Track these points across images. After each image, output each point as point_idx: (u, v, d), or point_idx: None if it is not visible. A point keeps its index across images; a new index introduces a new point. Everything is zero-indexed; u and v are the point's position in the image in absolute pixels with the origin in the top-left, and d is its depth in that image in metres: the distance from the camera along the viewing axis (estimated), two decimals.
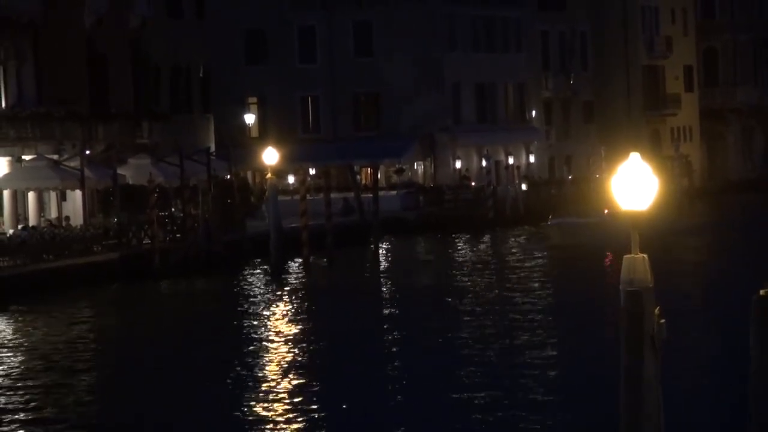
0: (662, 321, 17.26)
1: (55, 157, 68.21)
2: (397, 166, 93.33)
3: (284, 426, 33.01)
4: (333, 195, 77.68)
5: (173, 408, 36.61)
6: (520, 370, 38.88)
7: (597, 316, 47.68)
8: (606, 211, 74.58)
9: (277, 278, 64.52)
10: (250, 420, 33.73)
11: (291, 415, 34.29)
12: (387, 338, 48.54)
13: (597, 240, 68.78)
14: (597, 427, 29.01)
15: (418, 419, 33.57)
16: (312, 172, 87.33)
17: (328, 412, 34.49)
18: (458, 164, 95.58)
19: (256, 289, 62.76)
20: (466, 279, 65.00)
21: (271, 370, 41.74)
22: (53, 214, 69.75)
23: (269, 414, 34.46)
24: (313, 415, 34.33)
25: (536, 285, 60.80)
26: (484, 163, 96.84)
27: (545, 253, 72.10)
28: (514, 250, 76.33)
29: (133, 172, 70.44)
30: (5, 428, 33.90)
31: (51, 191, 69.98)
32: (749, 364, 17.60)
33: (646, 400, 17.00)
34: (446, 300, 56.68)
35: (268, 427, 32.96)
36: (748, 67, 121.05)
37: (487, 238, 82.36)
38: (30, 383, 40.17)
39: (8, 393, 38.70)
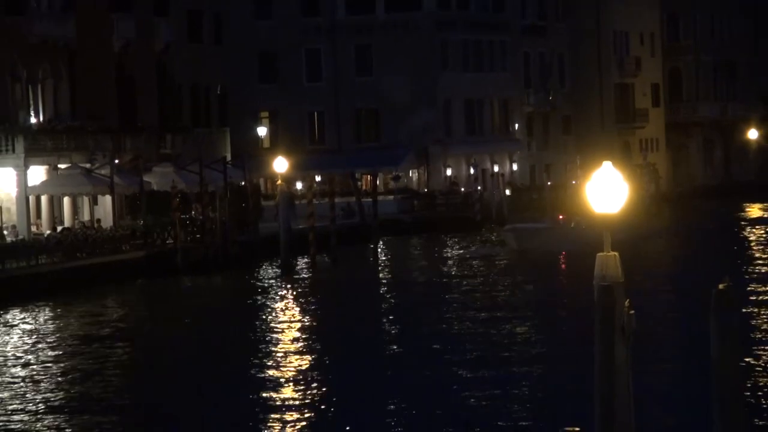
0: (632, 312, 17.29)
1: (88, 165, 68.20)
2: (394, 173, 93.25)
3: (293, 401, 33.11)
4: (337, 199, 77.70)
5: (195, 389, 36.70)
6: (495, 341, 39.10)
7: (558, 308, 47.97)
8: (561, 217, 74.05)
9: (286, 274, 64.49)
10: (263, 398, 33.83)
11: (298, 394, 34.45)
12: (384, 326, 48.79)
13: (550, 244, 67.67)
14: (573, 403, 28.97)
15: (415, 392, 33.68)
16: (318, 179, 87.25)
17: (331, 391, 34.60)
18: (449, 172, 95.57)
19: (268, 283, 62.77)
20: (449, 274, 64.93)
21: (282, 354, 41.89)
22: (86, 216, 69.73)
23: (280, 393, 34.61)
24: (317, 392, 34.42)
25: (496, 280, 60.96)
26: (471, 170, 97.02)
27: (502, 255, 69.77)
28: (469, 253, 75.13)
29: (157, 179, 70.43)
30: (47, 406, 33.96)
31: (84, 196, 69.99)
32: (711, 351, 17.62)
33: (618, 383, 17.02)
34: (434, 291, 56.83)
35: (278, 403, 33.07)
36: (709, 85, 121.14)
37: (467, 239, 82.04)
38: (67, 367, 40.26)
39: (48, 376, 38.78)
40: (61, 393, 36.02)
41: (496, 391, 33.64)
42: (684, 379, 33.19)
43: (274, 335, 46.46)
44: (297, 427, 30.50)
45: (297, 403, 33.35)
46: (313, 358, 41.37)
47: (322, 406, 32.77)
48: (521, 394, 33.24)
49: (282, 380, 36.79)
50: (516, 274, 62.74)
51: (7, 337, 46.97)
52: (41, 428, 31.20)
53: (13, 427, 31.61)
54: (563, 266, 61.22)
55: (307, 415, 31.70)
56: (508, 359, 38.72)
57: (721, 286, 17.35)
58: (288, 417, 31.62)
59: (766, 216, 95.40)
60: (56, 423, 31.80)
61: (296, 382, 36.43)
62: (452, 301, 53.86)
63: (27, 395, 35.62)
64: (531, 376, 35.82)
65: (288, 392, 34.93)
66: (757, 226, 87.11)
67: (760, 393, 31.42)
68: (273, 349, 43.27)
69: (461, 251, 75.13)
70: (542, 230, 71.62)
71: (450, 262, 71.51)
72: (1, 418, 32.60)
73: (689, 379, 32.32)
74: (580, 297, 45.41)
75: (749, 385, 30.81)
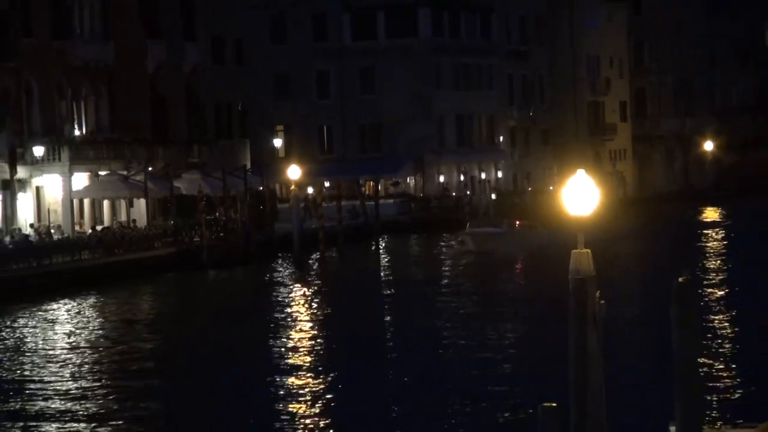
0: (602, 302, 17.33)
1: (125, 172, 68.23)
2: (393, 179, 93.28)
3: (303, 380, 33.17)
4: (343, 203, 77.83)
5: (217, 369, 36.76)
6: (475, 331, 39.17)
7: (530, 298, 48.07)
8: (518, 223, 73.33)
9: (299, 268, 64.56)
10: (276, 375, 33.90)
11: (308, 373, 34.48)
12: (385, 314, 48.81)
13: (506, 247, 66.44)
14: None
15: (414, 371, 33.77)
16: (327, 184, 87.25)
17: (338, 371, 34.64)
18: (442, 178, 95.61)
19: (283, 277, 62.76)
20: (439, 269, 64.98)
21: (294, 336, 41.89)
22: (123, 217, 69.78)
23: (291, 371, 34.68)
24: (324, 371, 34.46)
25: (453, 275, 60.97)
26: (461, 177, 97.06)
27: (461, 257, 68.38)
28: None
29: (186, 184, 70.45)
30: (87, 384, 34.04)
31: (121, 200, 70.04)
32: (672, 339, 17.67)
33: (591, 367, 17.05)
34: (427, 284, 56.97)
35: (289, 380, 33.15)
36: (670, 103, 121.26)
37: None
38: (106, 349, 40.32)
39: (89, 358, 38.86)
40: (102, 371, 36.12)
41: (481, 371, 33.70)
42: (648, 361, 33.24)
43: (288, 321, 46.52)
44: (304, 402, 30.60)
45: (305, 382, 33.47)
46: (321, 341, 41.59)
47: (327, 380, 32.94)
48: (503, 373, 33.28)
49: (293, 360, 36.91)
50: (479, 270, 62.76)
51: (55, 324, 47.06)
52: (84, 398, 31.36)
53: (59, 398, 31.76)
54: (520, 266, 60.30)
55: (311, 392, 31.84)
56: (489, 341, 38.81)
57: (680, 280, 17.38)
58: (298, 391, 31.75)
59: (720, 218, 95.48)
60: (96, 395, 31.93)
61: (306, 363, 36.54)
62: (440, 290, 54.11)
63: (72, 374, 35.73)
64: (512, 357, 35.87)
65: (299, 371, 35.01)
66: (712, 227, 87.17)
67: (714, 374, 31.51)
68: (286, 332, 43.36)
69: (445, 249, 74.96)
70: (499, 234, 69.97)
71: (440, 258, 71.45)
72: (50, 391, 32.74)
73: (653, 361, 32.37)
74: (548, 291, 45.69)
75: (704, 367, 30.88)
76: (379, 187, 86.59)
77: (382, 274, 63.95)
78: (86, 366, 37.32)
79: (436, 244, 75.39)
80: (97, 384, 34.34)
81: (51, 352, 39.93)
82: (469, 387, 31.54)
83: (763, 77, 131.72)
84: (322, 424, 27.99)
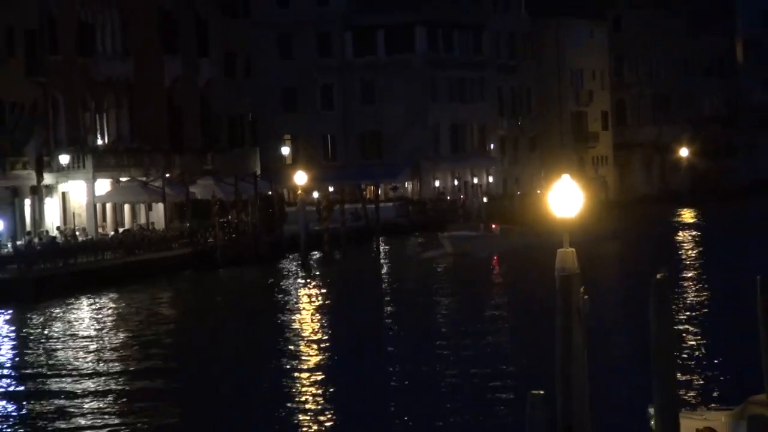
0: (586, 297, 17.30)
1: (144, 179, 68.28)
2: (392, 185, 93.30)
3: (306, 366, 33.20)
4: (346, 206, 77.87)
5: (230, 357, 36.80)
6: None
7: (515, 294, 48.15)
8: (494, 226, 72.63)
9: (305, 267, 64.56)
10: (282, 366, 33.92)
11: (311, 359, 34.49)
12: (382, 305, 48.94)
13: (481, 249, 65.75)
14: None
15: (404, 356, 33.79)
16: (330, 189, 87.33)
17: (340, 362, 34.65)
18: (437, 183, 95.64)
19: (290, 274, 62.80)
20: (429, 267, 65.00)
21: (299, 327, 41.96)
22: (142, 220, 69.80)
23: (297, 358, 34.72)
24: (325, 363, 34.48)
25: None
26: (455, 182, 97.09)
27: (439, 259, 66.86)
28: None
29: (200, 190, 70.45)
30: (111, 371, 34.07)
31: (141, 204, 70.08)
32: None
33: (575, 357, 17.02)
34: (422, 280, 57.05)
35: (294, 365, 33.18)
36: (648, 113, 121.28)
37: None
38: (128, 341, 40.35)
39: (112, 349, 38.87)
40: (124, 360, 36.18)
41: (472, 360, 33.71)
42: (629, 350, 33.24)
43: (294, 314, 46.58)
44: (310, 385, 30.61)
45: (309, 367, 33.53)
46: (324, 331, 41.75)
47: (329, 370, 32.96)
48: (493, 363, 33.26)
49: (298, 350, 36.94)
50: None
51: (80, 318, 47.10)
52: (108, 383, 31.42)
53: (83, 385, 31.79)
54: (496, 266, 59.84)
55: (315, 377, 31.86)
56: (478, 331, 38.81)
57: (658, 276, 17.38)
58: (301, 376, 31.77)
59: (695, 220, 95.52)
60: (120, 381, 31.98)
61: (309, 354, 36.58)
62: (432, 284, 54.18)
63: (97, 364, 35.78)
64: (501, 348, 35.87)
65: (303, 362, 35.03)
66: (687, 228, 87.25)
67: (689, 361, 31.54)
68: (293, 324, 43.44)
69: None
70: (474, 237, 69.50)
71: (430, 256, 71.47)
72: (75, 379, 32.77)
73: (633, 350, 32.37)
74: (531, 289, 45.79)
75: (680, 355, 30.91)
76: (379, 192, 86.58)
77: (381, 271, 63.95)
78: (107, 355, 37.38)
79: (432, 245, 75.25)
80: (117, 372, 34.40)
81: (75, 344, 39.95)
82: (462, 375, 31.56)
83: (732, 89, 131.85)
84: (322, 412, 28.00)
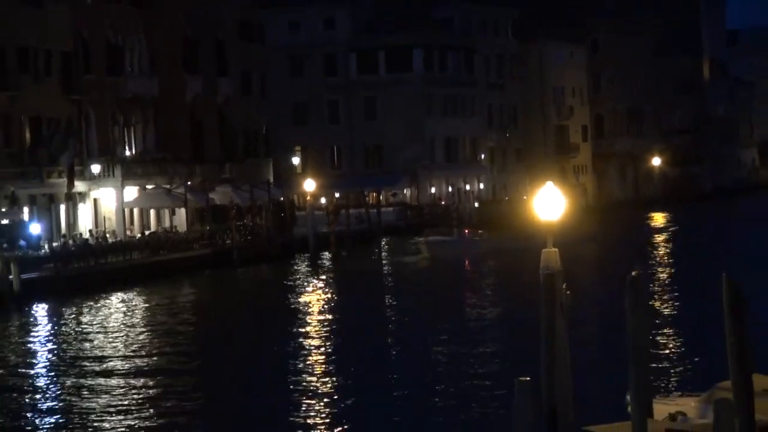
0: (568, 293, 17.28)
1: (168, 186, 68.28)
2: (392, 191, 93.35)
3: (316, 356, 33.16)
4: (351, 210, 77.87)
5: (245, 348, 36.77)
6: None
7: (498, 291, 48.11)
8: (467, 231, 72.07)
9: (314, 265, 64.56)
10: (294, 349, 33.89)
11: (320, 349, 34.45)
12: (384, 299, 48.95)
13: (456, 252, 64.42)
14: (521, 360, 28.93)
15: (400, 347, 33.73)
16: (336, 195, 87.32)
17: (344, 353, 34.62)
18: (433, 190, 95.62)
19: (301, 272, 62.81)
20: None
21: (308, 320, 41.94)
22: (167, 224, 69.83)
23: (306, 344, 34.69)
24: (330, 354, 34.43)
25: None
26: (449, 189, 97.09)
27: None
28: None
29: (219, 196, 70.49)
30: (137, 358, 34.02)
31: (165, 209, 70.10)
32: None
33: (558, 347, 17.00)
34: (418, 275, 57.07)
35: (304, 353, 33.14)
36: (623, 126, 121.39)
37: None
38: (154, 333, 40.33)
39: (139, 341, 38.81)
40: (149, 348, 36.16)
41: (462, 349, 33.66)
42: (607, 341, 33.15)
43: (304, 307, 46.56)
44: (318, 372, 30.59)
45: (316, 348, 33.51)
46: (331, 320, 41.74)
47: (334, 348, 32.93)
48: (483, 353, 33.22)
49: (307, 341, 36.90)
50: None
51: (110, 313, 47.08)
52: (134, 369, 31.42)
53: (113, 369, 31.80)
54: (468, 267, 58.77)
55: (321, 356, 31.84)
56: (467, 324, 38.79)
57: (633, 274, 17.37)
58: (313, 364, 31.76)
59: (666, 222, 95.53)
60: (145, 366, 31.97)
61: (316, 344, 36.54)
62: (427, 281, 54.20)
63: (124, 351, 35.75)
64: (490, 338, 35.81)
65: (310, 352, 34.98)
66: (659, 230, 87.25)
67: (662, 351, 31.48)
68: (302, 317, 43.42)
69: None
70: (450, 241, 68.41)
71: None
72: (105, 365, 32.76)
73: (611, 341, 32.30)
74: (505, 287, 45.77)
75: (653, 345, 30.85)
76: (381, 198, 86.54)
77: (383, 269, 63.89)
78: (134, 344, 37.37)
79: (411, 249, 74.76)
80: (143, 358, 34.38)
81: (105, 334, 39.95)
82: (455, 363, 31.52)
83: (698, 105, 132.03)
84: (328, 389, 27.97)
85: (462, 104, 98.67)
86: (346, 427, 24.24)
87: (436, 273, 59.29)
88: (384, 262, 66.25)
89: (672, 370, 29.04)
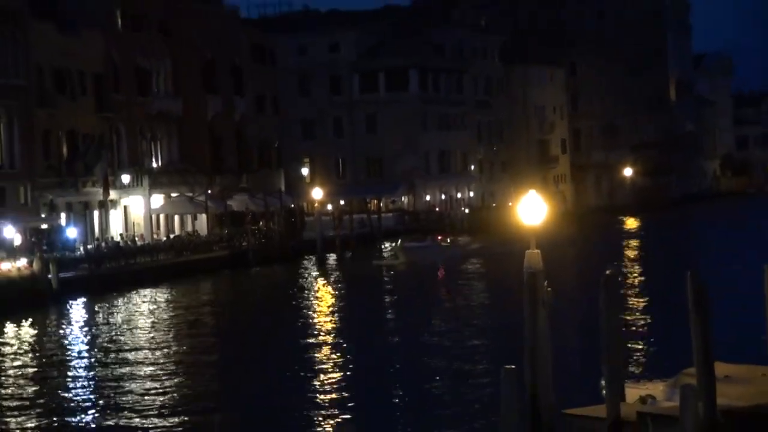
0: (549, 290, 17.28)
1: (190, 195, 68.33)
2: (391, 199, 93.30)
3: (323, 349, 33.13)
4: (354, 216, 77.88)
5: (265, 333, 36.76)
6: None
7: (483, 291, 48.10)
8: (439, 238, 70.10)
9: (321, 265, 64.53)
10: (303, 338, 33.88)
11: (326, 344, 34.43)
12: (383, 296, 48.84)
13: (430, 257, 61.92)
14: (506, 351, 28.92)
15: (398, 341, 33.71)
16: (341, 202, 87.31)
17: (348, 345, 34.57)
18: (428, 197, 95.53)
19: (309, 271, 62.77)
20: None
21: (316, 314, 41.91)
22: (189, 228, 69.84)
23: (313, 334, 34.67)
24: (338, 339, 34.40)
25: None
26: (443, 196, 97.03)
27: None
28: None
29: (236, 203, 70.57)
30: (163, 348, 34.00)
31: (188, 215, 70.14)
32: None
33: (540, 341, 17.00)
34: (412, 274, 57.08)
35: (311, 345, 33.14)
36: (598, 140, 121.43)
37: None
38: (175, 326, 40.31)
39: (162, 333, 38.77)
40: (174, 339, 36.16)
41: (450, 341, 33.67)
42: (584, 333, 33.14)
43: (312, 302, 46.51)
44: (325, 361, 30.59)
45: (322, 337, 33.49)
46: (336, 313, 41.67)
47: (338, 338, 32.94)
48: (470, 344, 33.20)
49: (315, 325, 36.88)
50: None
51: (138, 308, 47.08)
52: (161, 357, 31.44)
53: (141, 358, 31.82)
54: (442, 271, 57.33)
55: (327, 345, 31.84)
56: (454, 318, 38.76)
57: (607, 272, 17.37)
58: (320, 354, 31.75)
59: (637, 226, 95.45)
60: (171, 355, 31.97)
61: (324, 327, 36.50)
62: (422, 280, 54.12)
63: (151, 342, 35.74)
64: (478, 330, 35.79)
65: (319, 332, 34.97)
66: (631, 233, 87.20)
67: (633, 342, 31.48)
68: (311, 311, 43.39)
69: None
70: (424, 247, 66.69)
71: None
72: (134, 354, 32.75)
73: (587, 334, 32.27)
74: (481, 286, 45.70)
75: (625, 337, 30.84)
76: (381, 204, 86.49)
77: (383, 270, 63.96)
78: (160, 335, 37.36)
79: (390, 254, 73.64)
80: (168, 348, 34.37)
81: (135, 327, 39.96)
82: (447, 354, 31.52)
83: (666, 121, 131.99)
84: (333, 372, 27.96)
85: (454, 120, 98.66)
86: (349, 403, 24.25)
87: (425, 274, 58.94)
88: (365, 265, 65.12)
89: (642, 358, 29.06)
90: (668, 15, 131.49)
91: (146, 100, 68.99)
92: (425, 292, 49.37)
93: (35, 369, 32.43)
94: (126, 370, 31.06)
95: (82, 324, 42.83)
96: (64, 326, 42.28)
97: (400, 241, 67.88)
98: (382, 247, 72.96)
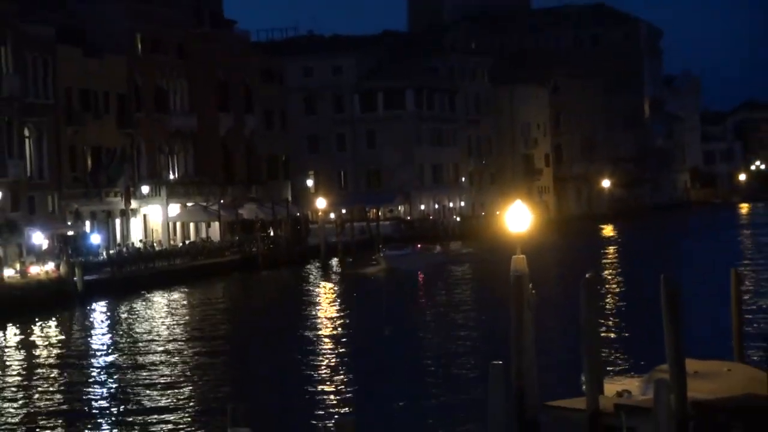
0: (533, 292, 17.25)
1: (204, 204, 68.28)
2: (389, 208, 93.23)
3: (325, 347, 33.07)
4: (354, 224, 77.81)
5: (273, 331, 36.70)
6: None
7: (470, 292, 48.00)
8: (418, 246, 68.57)
9: (324, 269, 64.42)
10: (308, 333, 33.82)
11: (329, 340, 34.35)
12: (382, 296, 48.65)
13: (410, 264, 60.64)
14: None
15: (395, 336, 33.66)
16: (343, 211, 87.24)
17: (349, 339, 34.51)
18: (422, 207, 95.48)
19: (313, 274, 62.69)
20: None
21: (319, 313, 41.85)
22: (203, 234, 69.77)
23: (317, 329, 34.61)
24: (337, 339, 34.32)
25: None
26: (436, 206, 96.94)
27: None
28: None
29: (246, 212, 70.52)
30: (180, 343, 33.93)
31: (202, 222, 70.06)
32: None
33: (525, 339, 16.96)
34: (408, 274, 56.98)
35: (314, 343, 33.05)
36: (578, 154, 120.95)
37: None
38: (191, 324, 40.23)
39: (180, 330, 38.71)
40: (190, 335, 36.08)
41: (441, 339, 33.60)
42: (565, 333, 33.11)
43: (316, 303, 46.43)
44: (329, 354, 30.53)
45: (325, 333, 33.42)
46: (337, 313, 41.49)
47: (339, 333, 32.87)
48: (460, 341, 33.15)
49: (318, 321, 36.79)
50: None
51: (157, 308, 47.00)
52: (178, 353, 31.39)
53: (159, 354, 31.75)
54: (421, 276, 55.67)
55: (329, 339, 31.78)
56: (443, 317, 38.69)
57: (587, 275, 17.36)
58: (323, 348, 31.69)
59: (614, 233, 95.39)
60: (187, 350, 31.92)
61: (327, 323, 36.42)
62: (417, 279, 53.95)
63: (168, 338, 35.68)
64: (467, 329, 35.74)
65: (322, 327, 34.90)
66: (608, 239, 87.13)
67: (611, 340, 31.45)
68: (314, 311, 43.30)
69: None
70: (405, 255, 64.43)
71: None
72: (153, 350, 32.70)
73: (568, 333, 32.28)
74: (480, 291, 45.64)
75: (603, 335, 30.79)
76: (379, 213, 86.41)
77: (381, 272, 63.87)
78: (177, 334, 37.29)
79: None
80: (185, 343, 34.30)
81: (154, 325, 39.89)
82: (439, 350, 31.48)
83: (641, 137, 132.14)
84: (333, 365, 27.90)
85: (446, 136, 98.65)
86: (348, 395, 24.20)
87: (405, 280, 58.26)
88: (347, 272, 62.90)
89: (619, 355, 29.02)
90: (643, 40, 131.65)
91: (164, 117, 69.00)
92: (419, 295, 49.31)
93: (61, 361, 32.48)
94: (143, 362, 31.01)
95: (105, 322, 42.78)
96: (88, 324, 42.23)
97: (382, 248, 65.75)
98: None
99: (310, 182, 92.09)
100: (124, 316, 44.20)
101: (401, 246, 68.68)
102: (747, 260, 57.25)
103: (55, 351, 35.10)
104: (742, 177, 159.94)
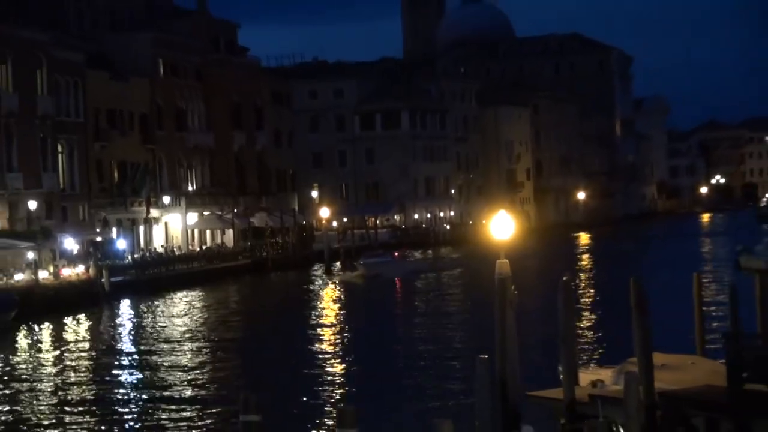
0: (515, 293, 17.17)
1: (220, 213, 68.20)
2: (386, 217, 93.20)
3: (328, 346, 32.94)
4: (355, 231, 77.68)
5: (282, 328, 36.58)
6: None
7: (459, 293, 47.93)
8: (396, 254, 66.37)
9: (328, 272, 64.25)
10: (312, 330, 33.68)
11: (332, 339, 34.24)
12: (382, 296, 48.60)
13: (389, 272, 58.42)
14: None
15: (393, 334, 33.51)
16: (345, 220, 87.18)
17: (350, 337, 34.40)
18: (416, 216, 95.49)
19: (318, 277, 62.55)
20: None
21: (322, 313, 41.73)
22: (218, 240, 69.67)
23: (320, 326, 34.49)
24: (339, 336, 34.20)
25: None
26: (428, 215, 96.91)
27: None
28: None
29: (257, 220, 70.45)
30: (198, 340, 33.81)
31: (217, 230, 69.95)
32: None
33: (508, 336, 16.88)
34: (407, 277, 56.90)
35: (316, 342, 32.93)
36: (557, 169, 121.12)
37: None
38: (207, 321, 40.11)
39: (198, 327, 38.58)
40: (208, 332, 35.95)
41: (430, 334, 33.48)
42: (544, 329, 33.02)
43: (319, 304, 46.29)
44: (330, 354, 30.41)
45: (329, 329, 33.31)
46: (340, 311, 41.34)
47: (341, 330, 32.75)
48: (449, 338, 33.05)
49: (322, 319, 36.68)
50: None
51: (175, 308, 46.87)
52: (195, 347, 31.27)
53: (179, 348, 31.62)
54: (398, 283, 54.09)
55: (333, 336, 31.66)
56: (433, 313, 38.58)
57: (564, 278, 17.30)
58: (323, 350, 31.58)
59: (588, 240, 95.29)
60: (204, 345, 31.79)
61: (330, 321, 36.30)
62: (412, 281, 53.84)
63: (187, 334, 35.56)
64: (456, 327, 35.63)
65: (325, 324, 34.78)
66: (583, 245, 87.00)
67: (585, 335, 31.37)
68: (317, 311, 43.18)
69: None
70: (383, 262, 60.71)
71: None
72: (173, 345, 32.58)
73: (547, 329, 32.18)
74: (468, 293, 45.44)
75: (579, 331, 30.72)
76: (377, 222, 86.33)
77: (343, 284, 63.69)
78: (195, 330, 37.15)
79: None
80: (203, 339, 34.18)
81: (174, 322, 39.76)
82: (430, 345, 31.38)
83: (612, 154, 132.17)
84: (336, 360, 27.78)
85: (438, 152, 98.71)
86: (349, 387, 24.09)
87: (383, 286, 56.98)
88: (328, 278, 60.74)
89: (593, 349, 28.94)
90: (614, 66, 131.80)
91: (183, 135, 68.96)
92: (412, 297, 49.21)
93: (90, 353, 32.48)
94: (165, 357, 30.90)
95: (129, 319, 42.67)
96: (114, 321, 42.12)
97: (362, 256, 63.71)
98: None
99: (315, 194, 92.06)
100: (146, 313, 44.09)
101: (379, 254, 65.51)
102: (707, 264, 57.23)
103: (85, 344, 35.05)
104: (704, 190, 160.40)
